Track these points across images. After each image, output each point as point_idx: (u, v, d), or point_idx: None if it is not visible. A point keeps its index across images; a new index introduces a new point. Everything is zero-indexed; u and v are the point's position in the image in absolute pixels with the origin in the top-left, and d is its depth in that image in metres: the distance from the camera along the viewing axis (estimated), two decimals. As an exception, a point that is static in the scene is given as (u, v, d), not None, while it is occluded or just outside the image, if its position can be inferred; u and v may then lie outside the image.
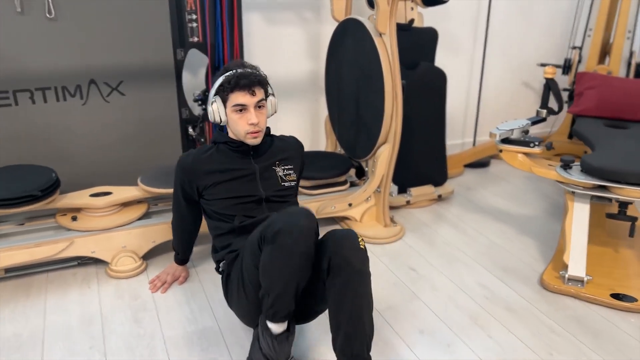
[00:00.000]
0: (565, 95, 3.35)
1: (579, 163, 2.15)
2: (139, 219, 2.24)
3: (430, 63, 2.84)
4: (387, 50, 2.27)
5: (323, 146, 3.14)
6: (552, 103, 2.56)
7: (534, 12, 3.50)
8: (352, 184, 2.66)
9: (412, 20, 2.78)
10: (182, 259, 2.10)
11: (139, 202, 2.32)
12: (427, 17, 3.11)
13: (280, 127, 2.84)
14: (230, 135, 1.79)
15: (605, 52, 3.31)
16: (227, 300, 1.77)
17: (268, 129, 1.83)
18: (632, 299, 1.99)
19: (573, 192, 2.15)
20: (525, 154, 2.29)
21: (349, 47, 2.47)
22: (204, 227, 1.93)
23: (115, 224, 2.16)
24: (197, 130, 2.57)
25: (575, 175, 2.11)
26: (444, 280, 2.18)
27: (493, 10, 3.33)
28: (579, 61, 3.27)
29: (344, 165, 2.60)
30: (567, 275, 2.07)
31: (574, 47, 3.29)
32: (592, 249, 2.30)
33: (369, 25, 2.32)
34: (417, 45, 2.80)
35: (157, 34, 2.36)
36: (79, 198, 2.19)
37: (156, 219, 2.26)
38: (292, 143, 1.92)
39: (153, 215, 2.32)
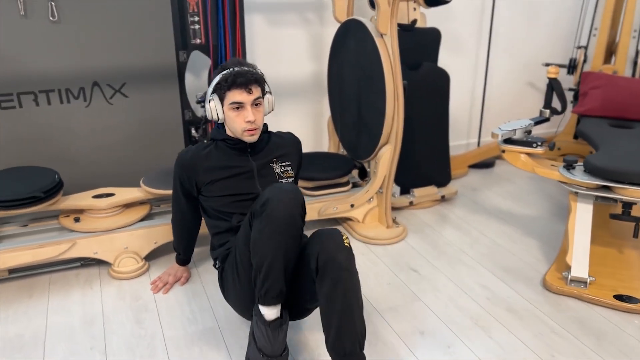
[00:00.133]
0: (570, 95, 3.33)
1: (582, 163, 2.13)
2: (141, 220, 2.25)
3: (433, 63, 2.83)
4: (388, 50, 2.26)
5: (326, 147, 3.15)
6: (557, 103, 2.54)
7: (539, 11, 3.48)
8: (355, 185, 2.65)
9: (414, 21, 2.78)
10: (184, 259, 2.11)
11: (141, 203, 2.34)
12: (431, 18, 3.11)
13: (283, 128, 2.83)
14: (228, 132, 1.81)
15: (611, 51, 3.29)
16: (224, 294, 1.80)
17: (265, 125, 1.85)
18: (635, 300, 1.97)
19: (576, 193, 2.13)
20: (528, 154, 2.28)
21: (351, 48, 2.47)
22: (204, 227, 1.94)
23: (118, 225, 2.17)
24: (200, 131, 2.58)
25: (579, 176, 2.09)
26: (445, 281, 2.17)
27: (497, 10, 3.32)
28: (585, 61, 3.25)
29: (346, 166, 2.59)
30: (569, 276, 2.06)
31: (579, 47, 3.27)
32: (596, 250, 2.28)
33: (370, 26, 2.31)
34: (420, 45, 2.79)
35: (160, 36, 2.38)
36: (81, 199, 2.21)
37: (158, 220, 2.27)
38: (288, 139, 1.94)
39: (155, 217, 2.33)
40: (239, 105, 1.71)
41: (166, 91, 2.47)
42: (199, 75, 2.66)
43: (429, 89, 2.75)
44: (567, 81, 3.53)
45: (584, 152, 3.25)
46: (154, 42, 2.37)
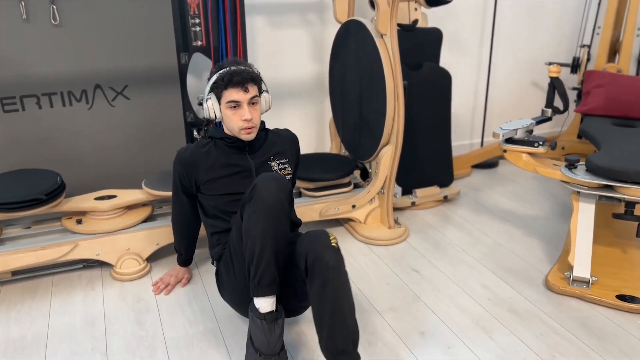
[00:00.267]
0: (574, 94, 3.31)
1: (584, 162, 2.12)
2: (143, 221, 2.26)
3: (435, 63, 2.82)
4: (388, 51, 2.26)
5: (328, 148, 3.15)
6: (559, 102, 2.53)
7: (541, 10, 3.46)
8: (357, 186, 2.65)
9: (415, 21, 2.77)
10: (185, 259, 2.12)
11: (143, 205, 2.35)
12: (433, 18, 3.10)
13: (285, 129, 2.85)
14: (226, 131, 1.83)
15: (615, 50, 3.26)
16: (220, 290, 1.83)
17: (263, 123, 1.86)
18: (638, 301, 1.96)
19: (578, 192, 2.12)
20: (530, 154, 2.27)
21: (352, 49, 2.47)
22: (204, 228, 1.95)
23: (120, 226, 2.19)
24: (202, 133, 2.58)
25: (580, 175, 2.07)
26: (446, 281, 2.16)
27: (499, 9, 3.31)
28: (588, 59, 3.22)
29: (347, 167, 2.59)
30: (571, 276, 2.05)
31: (583, 46, 3.25)
32: (599, 250, 2.27)
33: (370, 27, 2.31)
34: (421, 45, 2.79)
35: (161, 39, 2.39)
36: (83, 201, 2.22)
37: (160, 221, 2.28)
38: (285, 136, 1.95)
39: (157, 218, 2.34)
40: (235, 104, 1.73)
41: (168, 93, 2.49)
42: (200, 77, 2.68)
43: (430, 89, 2.75)
44: (572, 80, 3.51)
45: (589, 151, 3.23)
46: (155, 45, 2.39)
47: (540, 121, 2.45)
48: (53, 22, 2.20)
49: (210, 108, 1.76)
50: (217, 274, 1.83)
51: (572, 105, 3.37)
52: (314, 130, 3.11)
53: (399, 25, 2.72)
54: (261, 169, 1.83)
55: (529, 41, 3.52)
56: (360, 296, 2.06)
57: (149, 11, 2.33)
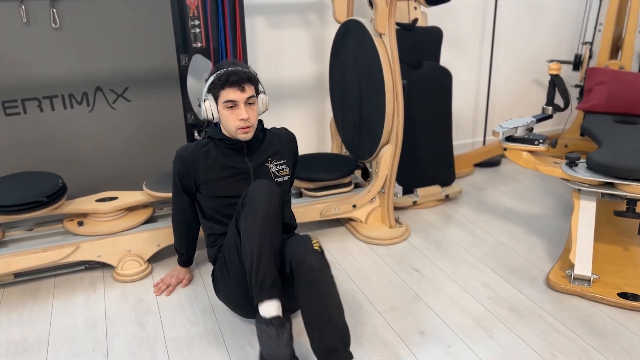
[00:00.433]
0: (576, 92, 3.29)
1: (585, 160, 2.11)
2: (144, 223, 2.27)
3: (435, 62, 2.82)
4: (387, 50, 2.26)
5: (328, 148, 3.15)
6: (560, 100, 2.52)
7: (543, 7, 3.45)
8: (357, 186, 2.65)
9: (415, 20, 2.77)
10: (186, 259, 2.12)
11: (144, 206, 2.36)
12: (433, 17, 3.10)
13: (286, 129, 2.85)
14: (224, 131, 1.83)
15: (617, 46, 3.25)
16: (216, 292, 1.87)
17: (261, 122, 1.86)
18: (640, 298, 1.95)
19: (579, 190, 2.11)
20: (530, 151, 2.26)
21: (351, 49, 2.47)
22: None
23: (121, 228, 2.20)
24: (203, 134, 2.60)
25: (581, 173, 2.06)
26: (447, 281, 2.16)
27: (500, 7, 3.30)
28: (590, 57, 3.21)
29: (348, 166, 2.59)
30: (572, 275, 2.04)
31: (585, 43, 3.23)
32: (601, 247, 2.26)
33: (369, 26, 2.31)
34: (421, 44, 2.78)
35: (161, 41, 2.40)
36: (85, 203, 2.23)
37: (161, 222, 2.29)
38: (283, 136, 1.96)
39: (158, 219, 2.35)
40: (232, 104, 1.74)
41: (168, 95, 2.49)
42: (200, 78, 2.68)
43: (431, 88, 2.74)
44: (574, 78, 3.50)
45: (592, 149, 3.21)
46: (156, 47, 2.40)
47: (541, 119, 2.44)
48: (53, 25, 2.21)
49: (208, 108, 1.78)
50: (213, 275, 1.86)
51: (574, 103, 3.35)
52: (315, 130, 3.11)
53: (398, 24, 2.72)
54: (259, 170, 1.84)
55: (530, 40, 3.51)
56: (360, 296, 2.06)
57: (149, 13, 2.34)
